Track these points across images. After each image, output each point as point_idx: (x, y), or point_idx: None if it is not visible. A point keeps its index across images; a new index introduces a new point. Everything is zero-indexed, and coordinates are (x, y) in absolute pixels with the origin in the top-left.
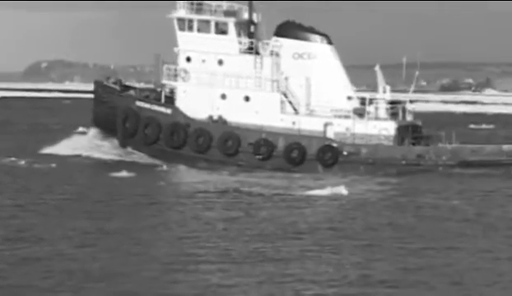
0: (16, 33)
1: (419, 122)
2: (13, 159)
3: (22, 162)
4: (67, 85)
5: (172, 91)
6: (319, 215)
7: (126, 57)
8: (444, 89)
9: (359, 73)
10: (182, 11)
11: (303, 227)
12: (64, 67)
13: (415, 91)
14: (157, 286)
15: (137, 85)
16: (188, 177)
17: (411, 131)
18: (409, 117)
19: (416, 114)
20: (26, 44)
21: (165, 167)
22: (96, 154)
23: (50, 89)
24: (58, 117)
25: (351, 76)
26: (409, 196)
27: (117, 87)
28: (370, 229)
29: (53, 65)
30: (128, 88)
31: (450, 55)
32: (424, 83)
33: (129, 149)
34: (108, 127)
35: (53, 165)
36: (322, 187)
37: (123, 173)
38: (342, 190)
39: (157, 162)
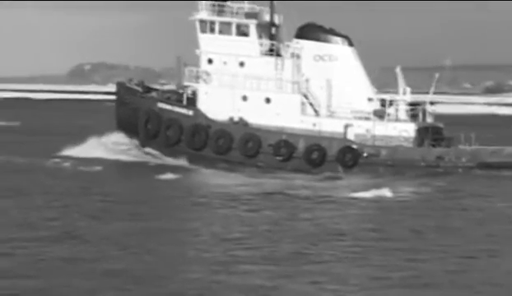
0: (60, 35)
1: (440, 124)
2: (57, 160)
3: (67, 164)
4: (110, 88)
5: (194, 93)
6: (363, 217)
7: (168, 59)
8: (489, 91)
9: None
10: (204, 13)
11: (347, 229)
12: (107, 69)
13: (457, 93)
14: (201, 287)
15: (158, 86)
16: (231, 179)
17: (432, 133)
18: (429, 119)
19: (455, 117)
20: (70, 47)
21: (206, 170)
22: (123, 157)
23: (93, 91)
24: (97, 119)
25: (389, 78)
26: (453, 199)
27: (139, 89)
28: (414, 232)
29: (96, 67)
30: (151, 90)
31: (495, 57)
32: (468, 85)
33: (149, 149)
34: (130, 129)
35: (98, 168)
36: (365, 189)
37: (168, 176)
38: (386, 192)
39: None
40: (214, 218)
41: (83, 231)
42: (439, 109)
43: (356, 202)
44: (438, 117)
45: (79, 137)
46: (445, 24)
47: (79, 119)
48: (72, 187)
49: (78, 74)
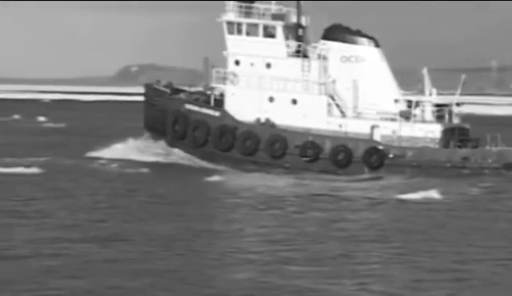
0: (108, 37)
1: (466, 125)
2: (103, 162)
3: (114, 165)
4: None
5: (221, 94)
6: (411, 218)
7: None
8: None
9: (443, 76)
10: (231, 15)
11: (394, 230)
12: (154, 70)
13: (505, 95)
14: (249, 287)
15: (186, 88)
16: (277, 181)
17: (458, 134)
18: (456, 120)
19: (498, 118)
20: (118, 49)
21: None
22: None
23: (139, 92)
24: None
25: (434, 80)
26: (500, 200)
27: (167, 90)
28: (461, 233)
29: (143, 69)
30: (179, 91)
31: None
32: None
33: (177, 150)
34: (158, 130)
35: (144, 170)
36: (413, 190)
37: (214, 177)
38: (434, 194)
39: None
40: (260, 219)
41: (130, 232)
42: (484, 111)
43: (404, 204)
44: (482, 118)
45: (120, 138)
46: (491, 24)
47: (125, 121)
48: (119, 189)
49: (125, 76)
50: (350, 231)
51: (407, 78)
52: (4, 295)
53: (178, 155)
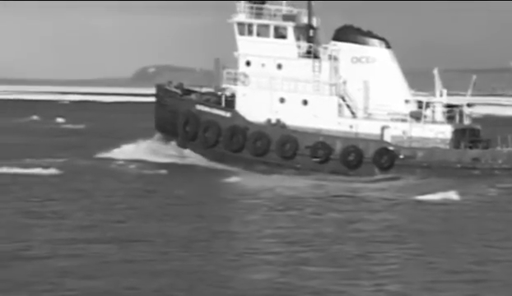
0: (125, 38)
1: (477, 126)
2: (121, 163)
3: (132, 166)
4: None
5: (233, 95)
6: (428, 219)
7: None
8: None
9: (455, 76)
10: (242, 16)
11: (412, 231)
12: (171, 72)
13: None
14: (267, 288)
15: (197, 88)
16: (295, 182)
17: (469, 135)
18: (467, 121)
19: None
20: (135, 50)
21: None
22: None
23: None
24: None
25: (448, 81)
26: None
27: (178, 91)
28: (480, 234)
29: (160, 70)
30: (190, 92)
31: None
32: None
33: (188, 150)
34: (169, 130)
35: (162, 171)
36: (433, 191)
37: (232, 178)
38: (453, 195)
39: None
40: (278, 220)
41: (148, 233)
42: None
43: (422, 205)
44: (497, 119)
45: (134, 139)
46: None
47: (142, 121)
48: (137, 190)
49: (142, 77)
50: (367, 232)
51: (423, 79)
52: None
53: (191, 156)
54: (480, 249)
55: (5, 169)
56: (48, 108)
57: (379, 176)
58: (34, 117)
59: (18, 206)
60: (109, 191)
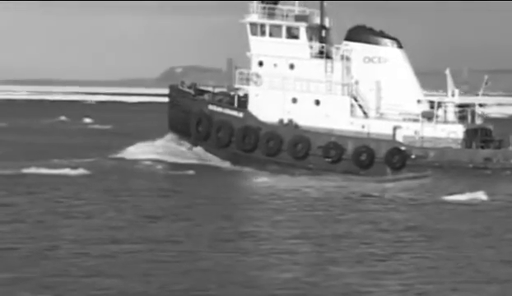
0: (153, 39)
1: (489, 126)
2: (149, 163)
3: (159, 166)
4: None
5: (245, 95)
6: (458, 219)
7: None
8: None
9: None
10: (254, 16)
11: (441, 231)
12: (198, 72)
13: None
14: (296, 287)
15: (210, 89)
16: (322, 182)
17: (481, 135)
18: (479, 121)
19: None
20: (162, 50)
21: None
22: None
23: None
24: None
25: (479, 82)
26: None
27: (191, 91)
28: (508, 235)
29: (187, 70)
30: (203, 92)
31: None
32: None
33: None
34: (182, 130)
35: (191, 172)
36: (460, 191)
37: (264, 179)
38: (481, 195)
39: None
40: (306, 220)
41: (177, 233)
42: None
43: (451, 205)
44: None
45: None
46: None
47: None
48: (166, 190)
49: (169, 77)
50: (394, 232)
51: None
52: (53, 295)
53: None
54: (508, 249)
55: (33, 170)
56: (76, 108)
57: (406, 175)
58: (62, 118)
59: (47, 206)
60: (137, 191)
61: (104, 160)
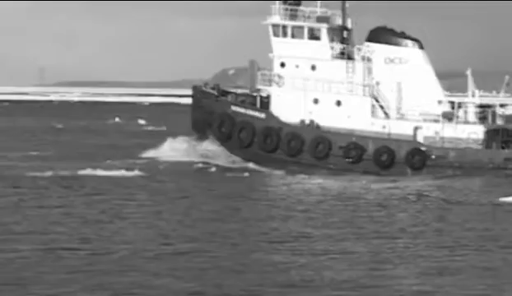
0: (205, 40)
1: (511, 126)
2: (202, 165)
3: (213, 169)
4: None
5: (268, 96)
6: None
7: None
8: None
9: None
10: (276, 18)
11: (495, 234)
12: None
13: None
14: (353, 288)
15: (233, 90)
16: (369, 182)
17: (502, 135)
18: (499, 121)
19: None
20: (215, 52)
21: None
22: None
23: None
24: None
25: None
26: None
27: (214, 92)
28: None
29: (240, 71)
30: (226, 93)
31: None
32: None
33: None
34: (205, 131)
35: (246, 174)
36: None
37: (317, 180)
38: None
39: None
40: (359, 221)
41: (233, 234)
42: None
43: (506, 207)
44: None
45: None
46: None
47: None
48: (219, 190)
49: (222, 79)
50: (452, 235)
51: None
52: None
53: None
54: None
55: (89, 171)
56: (129, 110)
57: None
58: (117, 120)
59: (103, 207)
60: (195, 191)
61: (158, 162)
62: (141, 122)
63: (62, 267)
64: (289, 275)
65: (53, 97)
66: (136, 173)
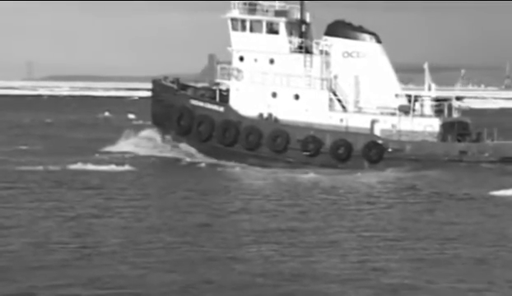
0: (192, 35)
1: (467, 119)
2: (191, 160)
3: (202, 164)
4: None
5: (227, 90)
6: (503, 217)
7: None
8: None
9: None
10: (235, 12)
11: (487, 230)
12: None
13: None
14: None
15: (193, 83)
16: (369, 177)
17: (457, 128)
18: (456, 114)
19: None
20: (203, 47)
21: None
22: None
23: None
24: None
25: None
26: None
27: (174, 86)
28: None
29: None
30: (186, 87)
31: None
32: None
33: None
34: (164, 125)
35: (237, 169)
36: (508, 186)
37: (311, 175)
38: None
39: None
40: (358, 217)
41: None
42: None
43: (497, 201)
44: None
45: None
46: None
47: None
48: (214, 185)
49: (210, 72)
50: (440, 229)
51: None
52: (105, 291)
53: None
54: None
55: (80, 165)
56: (118, 104)
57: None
58: (106, 114)
59: (94, 202)
60: (184, 186)
61: (148, 156)
62: (131, 116)
63: (52, 261)
64: (279, 268)
65: (42, 91)
66: (126, 168)
